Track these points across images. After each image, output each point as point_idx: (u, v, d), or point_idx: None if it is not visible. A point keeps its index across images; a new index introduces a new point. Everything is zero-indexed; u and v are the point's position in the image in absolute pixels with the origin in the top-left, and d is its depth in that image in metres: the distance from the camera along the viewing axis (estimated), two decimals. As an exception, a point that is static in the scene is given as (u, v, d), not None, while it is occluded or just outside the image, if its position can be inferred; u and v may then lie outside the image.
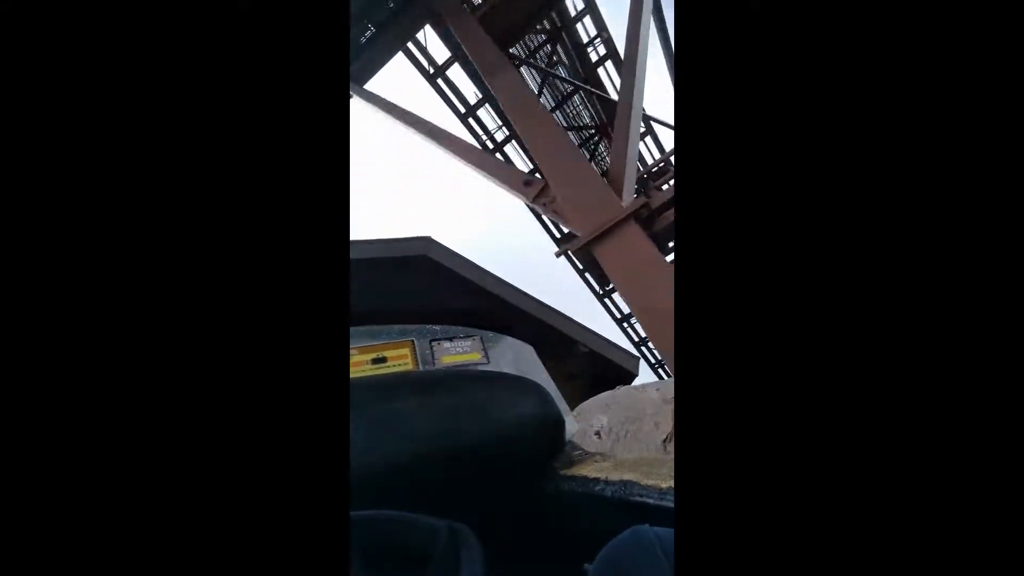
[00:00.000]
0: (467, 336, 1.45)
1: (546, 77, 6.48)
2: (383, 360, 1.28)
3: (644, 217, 3.23)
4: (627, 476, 0.78)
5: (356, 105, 5.21)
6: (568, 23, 6.38)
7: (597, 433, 1.12)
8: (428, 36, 5.67)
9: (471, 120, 6.56)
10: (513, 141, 6.65)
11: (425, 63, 5.90)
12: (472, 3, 5.21)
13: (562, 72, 6.79)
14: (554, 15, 6.07)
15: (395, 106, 5.08)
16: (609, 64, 6.70)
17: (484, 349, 1.40)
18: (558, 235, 7.41)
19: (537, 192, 3.92)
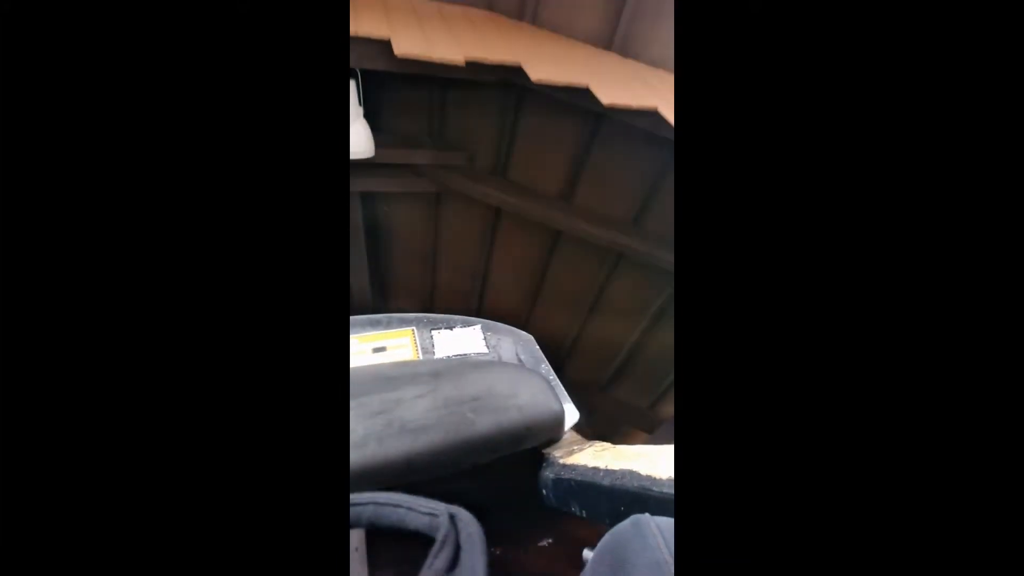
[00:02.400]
0: (467, 326, 1.46)
1: None
2: (383, 349, 1.29)
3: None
4: (628, 465, 0.78)
5: None
6: None
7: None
8: None
9: None
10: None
11: None
12: None
13: None
14: None
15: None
16: None
17: (483, 338, 1.41)
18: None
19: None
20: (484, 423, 0.93)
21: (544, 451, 1.06)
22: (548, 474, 0.97)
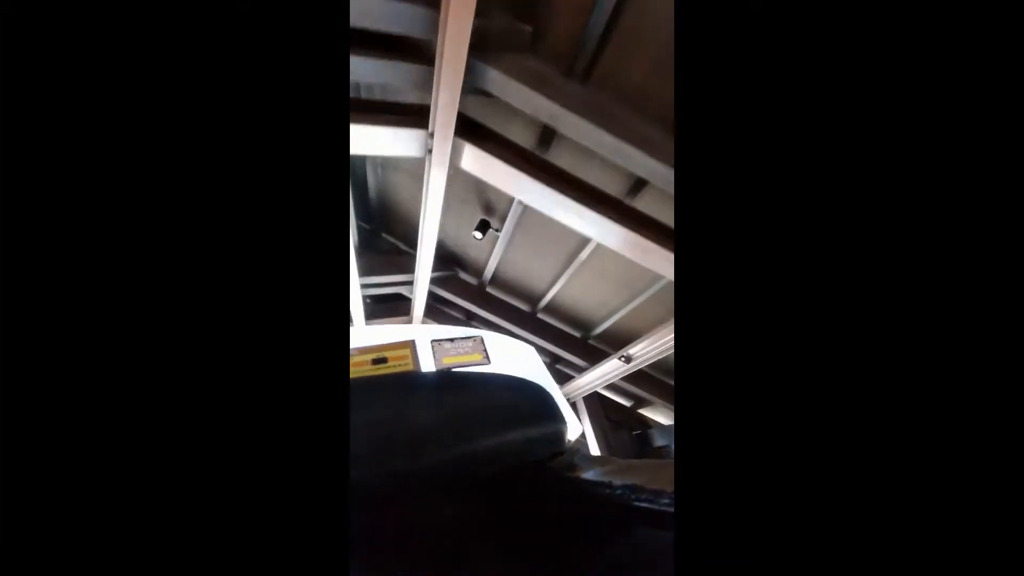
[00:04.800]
0: (468, 337, 1.45)
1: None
2: (384, 361, 1.28)
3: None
4: (632, 479, 0.77)
5: None
6: None
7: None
8: None
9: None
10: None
11: None
12: None
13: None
14: None
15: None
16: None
17: (485, 350, 1.41)
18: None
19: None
20: (486, 436, 0.92)
21: (547, 464, 1.04)
22: (551, 488, 0.96)
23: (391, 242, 3.08)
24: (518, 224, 2.55)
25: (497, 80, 1.34)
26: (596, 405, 4.33)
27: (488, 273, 3.11)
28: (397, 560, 0.47)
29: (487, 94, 1.40)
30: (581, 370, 3.85)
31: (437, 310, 3.76)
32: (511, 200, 2.31)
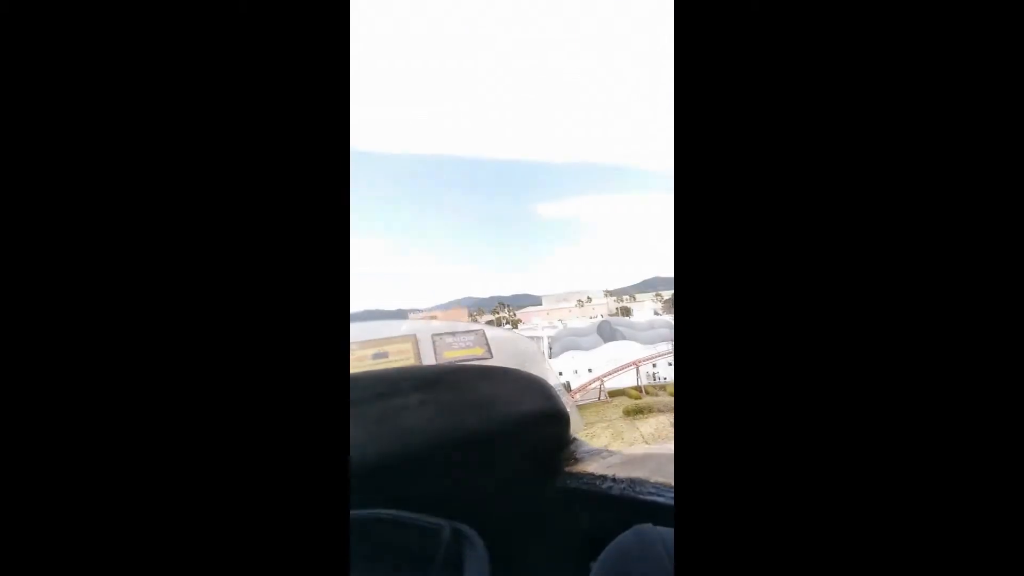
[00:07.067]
0: (469, 331, 1.45)
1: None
2: (385, 355, 1.28)
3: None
4: (635, 473, 0.77)
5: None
6: None
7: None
8: None
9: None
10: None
11: None
12: None
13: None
14: None
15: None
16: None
17: (487, 344, 1.40)
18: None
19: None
20: (487, 431, 0.92)
21: (548, 460, 1.04)
22: (553, 483, 0.96)
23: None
24: None
25: None
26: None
27: None
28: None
29: None
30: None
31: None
32: None
